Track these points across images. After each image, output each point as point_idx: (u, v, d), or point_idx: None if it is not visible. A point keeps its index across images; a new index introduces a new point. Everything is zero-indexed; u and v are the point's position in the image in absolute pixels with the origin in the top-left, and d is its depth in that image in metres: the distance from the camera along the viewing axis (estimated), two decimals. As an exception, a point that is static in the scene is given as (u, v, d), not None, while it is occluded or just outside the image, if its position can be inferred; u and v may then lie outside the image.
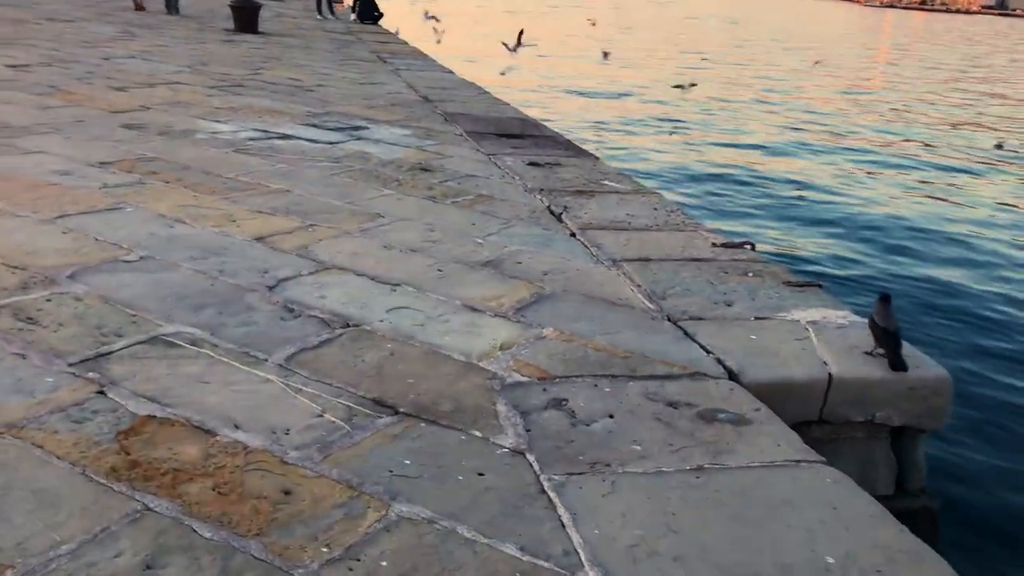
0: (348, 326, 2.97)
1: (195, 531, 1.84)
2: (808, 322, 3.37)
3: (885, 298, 3.09)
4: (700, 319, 3.33)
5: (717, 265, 3.98)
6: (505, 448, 2.30)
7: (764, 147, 13.36)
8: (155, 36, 12.19)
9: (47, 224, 3.72)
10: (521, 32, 14.27)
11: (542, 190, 5.16)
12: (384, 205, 4.53)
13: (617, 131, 13.85)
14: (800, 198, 10.06)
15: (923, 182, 11.68)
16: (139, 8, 16.02)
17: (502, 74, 15.27)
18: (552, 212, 4.72)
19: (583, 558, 1.89)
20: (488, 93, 9.66)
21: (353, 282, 3.38)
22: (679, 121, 15.30)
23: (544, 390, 2.64)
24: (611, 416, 2.52)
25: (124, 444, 2.14)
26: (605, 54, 18.81)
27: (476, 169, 5.62)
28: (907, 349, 3.09)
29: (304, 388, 2.51)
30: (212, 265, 3.42)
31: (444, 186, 5.08)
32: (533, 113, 9.17)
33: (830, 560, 1.95)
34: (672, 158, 12.05)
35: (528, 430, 2.40)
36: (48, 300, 2.95)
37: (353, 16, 18.84)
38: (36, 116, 5.98)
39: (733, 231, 8.01)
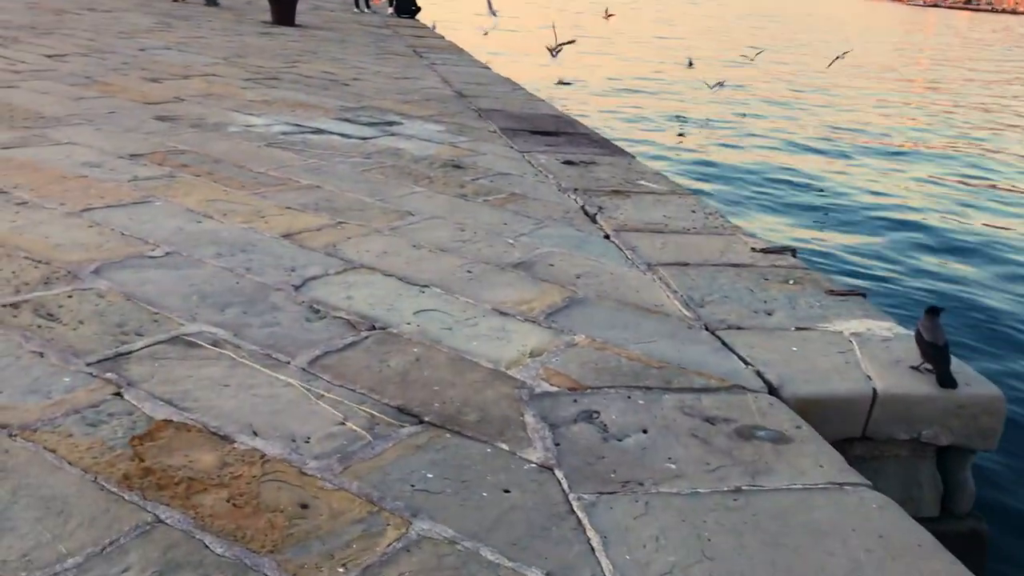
0: (374, 329, 2.89)
1: (207, 546, 1.76)
2: (851, 334, 3.23)
3: (933, 311, 2.95)
4: (739, 328, 3.21)
5: (757, 271, 3.85)
6: (532, 463, 2.20)
7: (805, 148, 13.11)
8: (192, 27, 12.23)
9: (73, 217, 3.68)
10: (567, 41, 14.25)
11: (576, 189, 5.04)
12: (415, 203, 4.45)
13: (650, 129, 13.67)
14: (840, 203, 9.83)
15: (973, 187, 11.35)
16: (178, -1, 16.11)
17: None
18: (586, 213, 4.61)
19: (613, 586, 1.79)
20: (523, 89, 9.55)
21: (381, 282, 3.30)
22: (713, 120, 15.08)
23: (575, 401, 2.54)
24: (645, 431, 2.41)
25: (138, 450, 2.07)
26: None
27: (509, 167, 5.52)
28: (956, 365, 2.94)
29: (326, 394, 2.43)
30: (238, 262, 3.35)
31: (476, 184, 4.98)
32: (567, 110, 9.03)
33: (877, 595, 1.83)
34: (707, 157, 11.86)
35: (557, 444, 2.30)
36: (69, 296, 2.90)
37: (390, 10, 18.82)
38: (69, 107, 5.98)
39: (769, 233, 7.84)
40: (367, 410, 2.36)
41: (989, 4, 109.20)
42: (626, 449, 2.31)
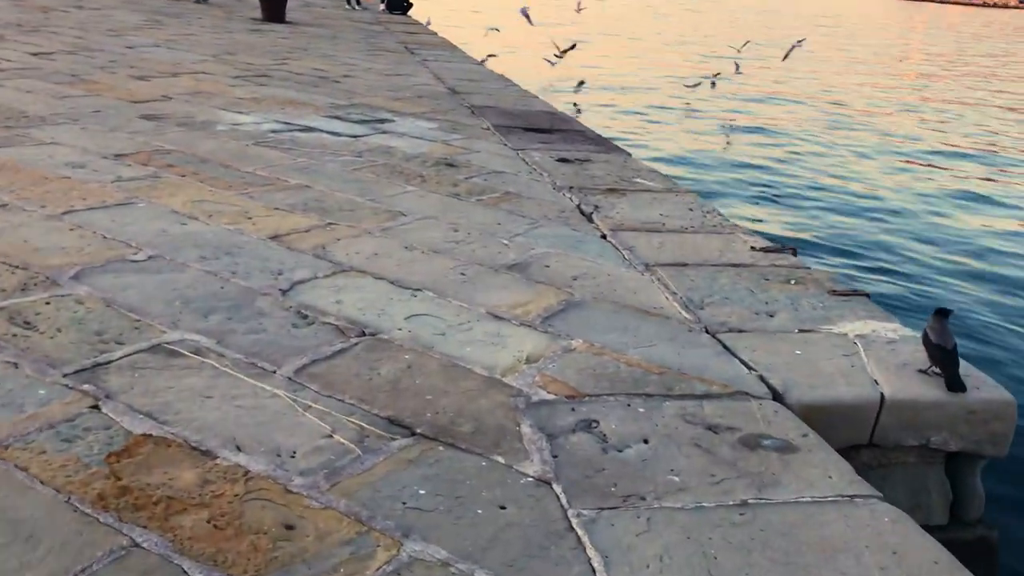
0: (364, 335, 2.79)
1: (185, 572, 1.66)
2: (856, 336, 3.14)
3: (942, 312, 2.86)
4: (740, 331, 3.12)
5: (757, 271, 3.76)
6: (529, 477, 2.10)
7: (799, 145, 13.02)
8: (182, 24, 12.09)
9: (54, 220, 3.57)
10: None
11: (571, 188, 4.95)
12: (407, 202, 4.35)
13: (644, 125, 13.56)
14: (838, 200, 9.74)
15: (974, 183, 11.26)
16: (167, -4, 15.94)
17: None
18: (582, 211, 4.51)
19: (615, 610, 1.69)
20: (516, 85, 9.44)
21: (371, 286, 3.20)
22: (705, 115, 14.98)
23: (572, 410, 2.44)
24: (646, 441, 2.31)
25: (115, 467, 1.97)
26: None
27: (503, 165, 5.42)
28: (964, 368, 2.85)
29: (313, 404, 2.33)
30: (224, 266, 3.25)
31: (469, 183, 4.88)
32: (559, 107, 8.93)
33: (893, 617, 1.74)
34: (702, 154, 11.77)
35: (555, 456, 2.20)
36: (47, 303, 2.79)
37: (382, 6, 18.67)
38: (54, 105, 5.85)
39: (766, 229, 7.76)
40: (356, 422, 2.26)
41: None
42: (627, 460, 2.21)
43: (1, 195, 3.83)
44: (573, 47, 14.76)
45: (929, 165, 12.25)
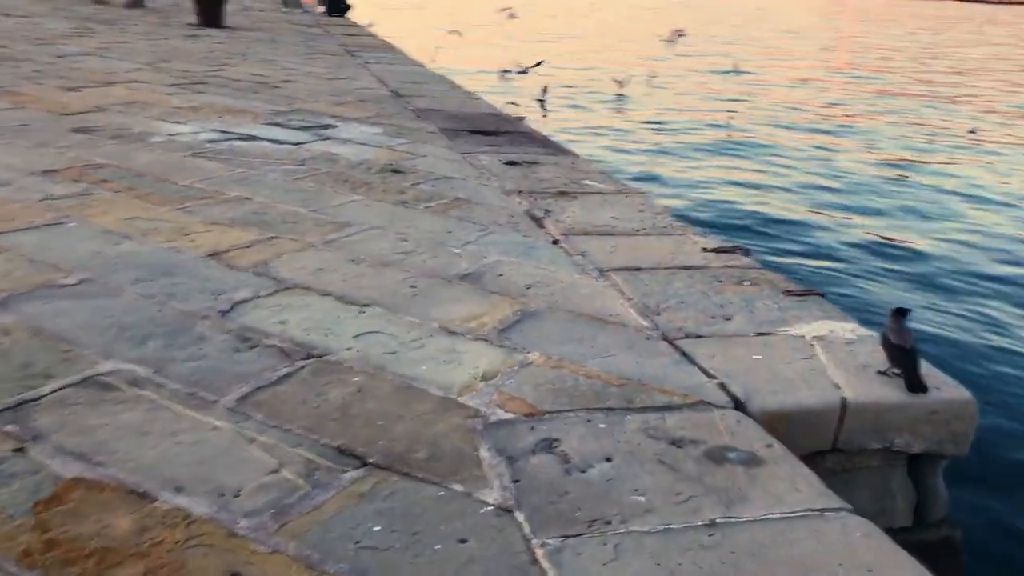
0: (310, 357, 2.66)
1: (121, 634, 1.54)
2: (814, 337, 3.10)
3: (900, 312, 2.83)
4: (698, 336, 3.06)
5: (711, 273, 3.71)
6: (490, 505, 2.00)
7: (734, 140, 13.10)
8: (115, 32, 11.74)
9: (-23, 244, 3.38)
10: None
11: (521, 192, 4.86)
12: (352, 212, 4.22)
13: (591, 131, 13.53)
14: (778, 198, 9.79)
15: (914, 170, 11.43)
16: (99, 2, 15.51)
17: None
18: (532, 216, 4.42)
19: (585, 649, 1.61)
20: (461, 87, 9.34)
21: (317, 303, 3.07)
22: (635, 112, 15.01)
23: (532, 429, 2.35)
24: (609, 459, 2.23)
25: (43, 517, 1.83)
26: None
27: (450, 170, 5.31)
28: (925, 368, 2.83)
29: (258, 436, 2.20)
30: (160, 288, 3.09)
31: (417, 189, 4.76)
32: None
33: (871, 640, 1.68)
34: (639, 152, 11.77)
35: (516, 481, 2.11)
36: (-31, 336, 2.62)
37: (321, 8, 18.41)
38: (-23, 120, 5.60)
39: (711, 229, 7.76)
40: (304, 453, 2.15)
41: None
42: (590, 482, 2.13)
43: (-81, 218, 3.62)
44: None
45: (865, 157, 12.41)
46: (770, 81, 20.17)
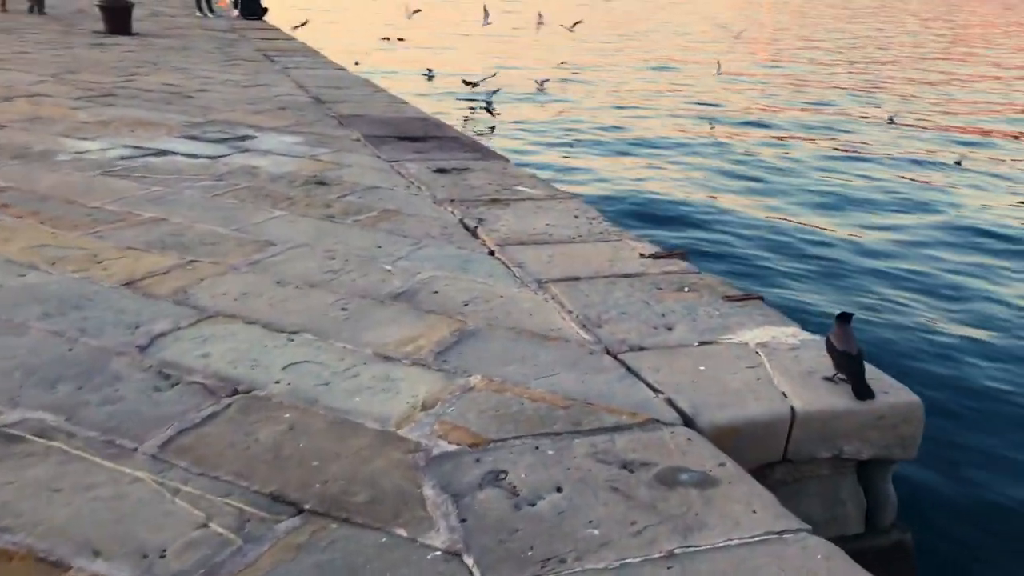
0: (237, 393, 2.50)
1: None
2: (757, 344, 3.06)
3: (844, 317, 2.79)
4: (641, 349, 2.98)
5: (650, 280, 3.65)
6: (437, 550, 1.88)
7: (654, 139, 13.13)
8: (15, 41, 11.21)
9: None
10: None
11: (452, 200, 4.73)
12: (276, 230, 4.04)
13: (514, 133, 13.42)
14: (704, 195, 9.83)
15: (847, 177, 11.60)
16: (-2, 10, 14.84)
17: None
18: (466, 226, 4.30)
19: None
20: (384, 91, 9.16)
21: (242, 333, 2.90)
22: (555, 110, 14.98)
23: (477, 461, 2.24)
24: (559, 489, 2.13)
25: (-60, 599, 1.65)
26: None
27: (378, 180, 5.16)
28: (871, 372, 2.80)
29: (183, 487, 2.04)
30: (71, 323, 2.88)
31: (343, 202, 4.60)
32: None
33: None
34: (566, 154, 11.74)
35: (463, 520, 1.99)
36: None
37: (235, 12, 17.95)
38: None
39: (637, 223, 7.74)
40: (234, 503, 1.99)
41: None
42: (541, 516, 2.02)
43: None
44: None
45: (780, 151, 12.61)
46: (693, 76, 20.38)
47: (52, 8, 16.06)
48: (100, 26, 13.10)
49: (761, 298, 3.54)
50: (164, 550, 1.82)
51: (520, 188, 5.07)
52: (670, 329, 3.16)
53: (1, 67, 8.85)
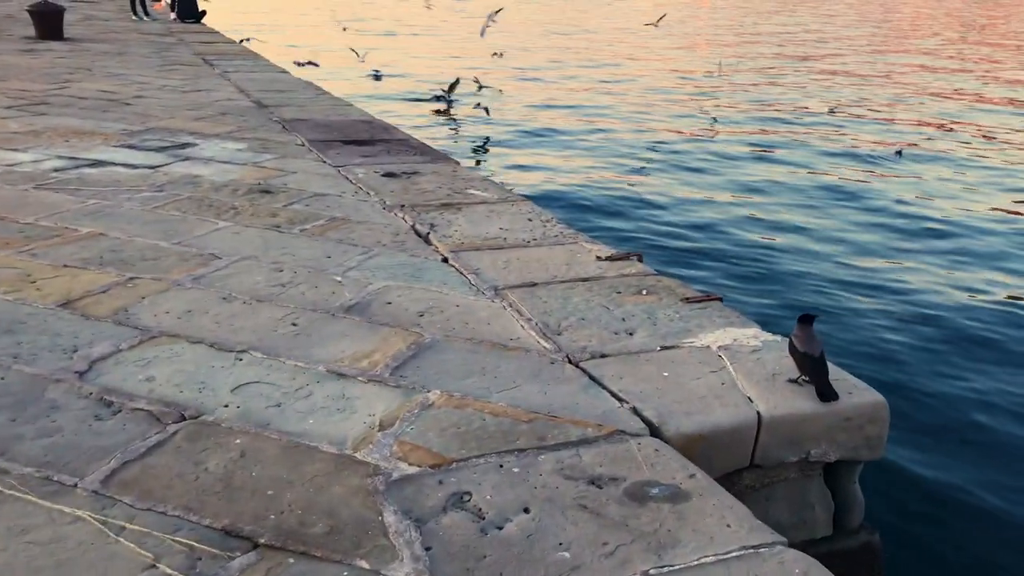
0: (184, 419, 2.37)
1: None
2: (720, 347, 3.01)
3: (806, 319, 2.76)
4: (603, 356, 2.92)
5: (608, 284, 3.58)
6: (402, 582, 1.79)
7: (598, 140, 13.14)
8: (-60, 49, 10.79)
9: None
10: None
11: (403, 206, 4.63)
12: (220, 242, 3.89)
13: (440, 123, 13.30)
14: (653, 194, 9.83)
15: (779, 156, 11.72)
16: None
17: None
18: (418, 233, 4.20)
19: None
20: (328, 94, 8.99)
21: (188, 353, 2.76)
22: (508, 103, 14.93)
23: (440, 482, 2.15)
24: (527, 510, 2.05)
25: None
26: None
27: (325, 186, 5.02)
28: (835, 372, 2.77)
29: (129, 524, 1.92)
30: (2, 349, 2.72)
31: (290, 210, 4.46)
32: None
33: None
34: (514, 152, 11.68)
35: (428, 548, 1.90)
36: None
37: (172, 15, 17.54)
38: None
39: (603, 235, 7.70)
40: (184, 540, 1.87)
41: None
42: (509, 540, 1.94)
43: None
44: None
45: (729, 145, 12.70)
46: (636, 73, 20.46)
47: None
48: (30, 31, 12.68)
49: (720, 299, 3.51)
50: (108, 596, 1.70)
51: (472, 191, 4.98)
52: (631, 334, 3.10)
53: (-75, 76, 8.50)
